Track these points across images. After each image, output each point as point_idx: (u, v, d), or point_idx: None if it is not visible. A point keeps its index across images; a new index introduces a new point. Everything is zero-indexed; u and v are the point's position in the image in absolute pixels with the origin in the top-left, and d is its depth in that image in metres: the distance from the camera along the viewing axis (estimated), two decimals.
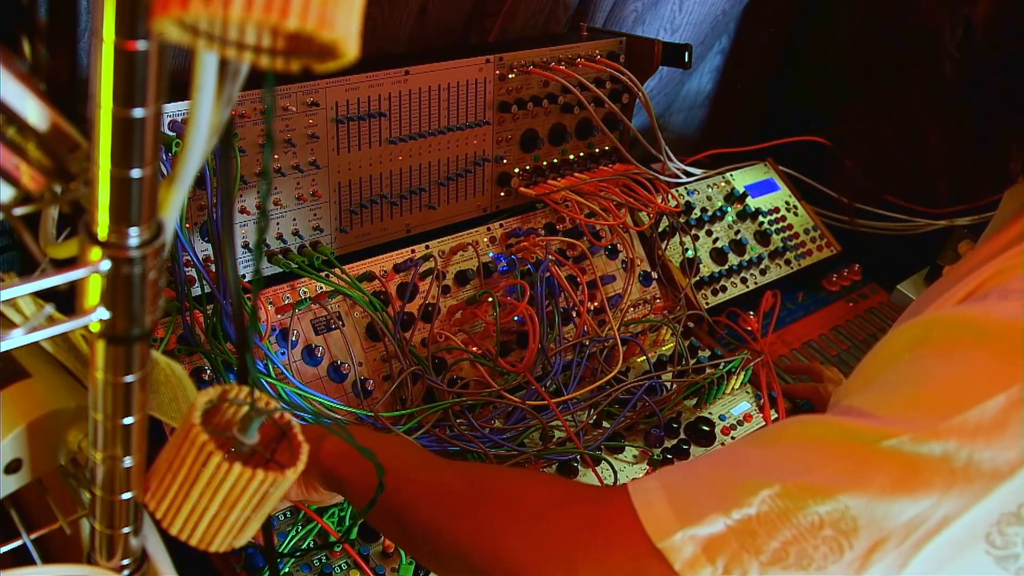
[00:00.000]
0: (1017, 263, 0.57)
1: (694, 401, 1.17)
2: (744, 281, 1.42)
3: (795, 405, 1.22)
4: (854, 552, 0.53)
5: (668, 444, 1.11)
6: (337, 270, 1.04)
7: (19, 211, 0.48)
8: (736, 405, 1.20)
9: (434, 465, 0.74)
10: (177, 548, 0.56)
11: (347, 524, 0.91)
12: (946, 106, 0.59)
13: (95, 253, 0.41)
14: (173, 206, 0.44)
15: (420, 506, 0.68)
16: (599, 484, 1.01)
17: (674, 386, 1.18)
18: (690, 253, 1.38)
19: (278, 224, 1.04)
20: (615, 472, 1.04)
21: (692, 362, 1.22)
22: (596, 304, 1.25)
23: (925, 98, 0.60)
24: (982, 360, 0.54)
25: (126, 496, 0.51)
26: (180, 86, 0.43)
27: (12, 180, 0.46)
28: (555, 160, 1.30)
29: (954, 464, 0.52)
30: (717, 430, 1.15)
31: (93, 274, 0.42)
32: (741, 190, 1.50)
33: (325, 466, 0.75)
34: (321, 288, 1.04)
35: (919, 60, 0.59)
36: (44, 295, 0.45)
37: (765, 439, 0.61)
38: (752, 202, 1.51)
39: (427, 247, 1.15)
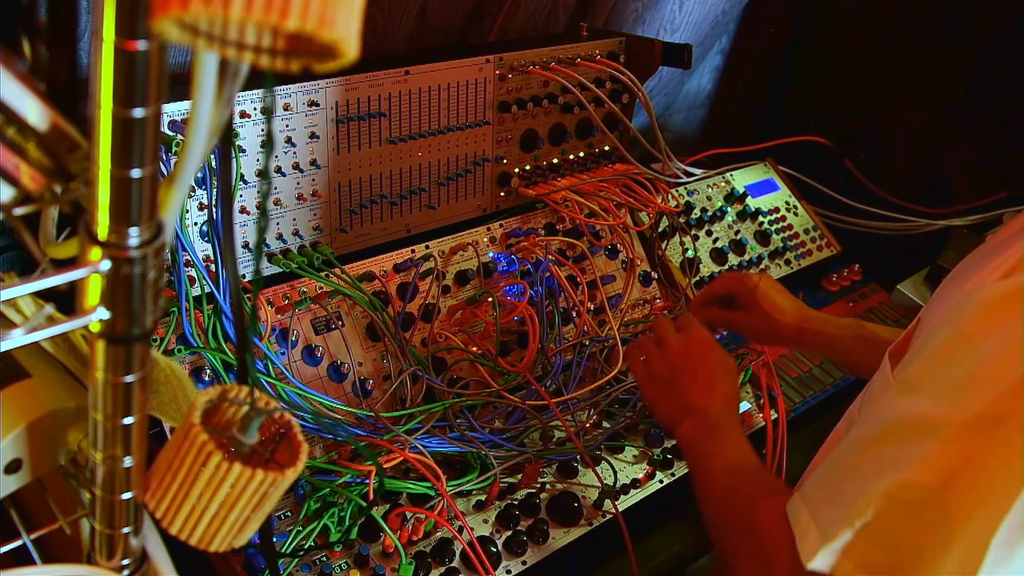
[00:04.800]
0: None
1: None
2: None
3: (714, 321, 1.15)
4: None
5: (668, 444, 1.11)
6: (337, 270, 1.04)
7: (19, 211, 0.48)
8: None
9: None
10: (177, 548, 0.56)
11: (347, 524, 0.91)
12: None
13: (95, 253, 0.41)
14: (173, 206, 0.44)
15: None
16: (600, 486, 1.01)
17: None
18: (690, 253, 1.37)
19: (278, 224, 1.04)
20: (615, 472, 1.04)
21: None
22: (596, 304, 1.25)
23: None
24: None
25: (126, 496, 0.51)
26: (180, 86, 0.43)
27: (12, 180, 0.46)
28: (555, 160, 1.30)
29: None
30: None
31: (93, 274, 0.42)
32: (741, 190, 1.50)
33: None
34: (321, 288, 1.04)
35: (929, 87, 0.60)
36: (44, 295, 0.45)
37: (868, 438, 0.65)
38: (752, 202, 1.51)
39: (427, 247, 1.15)
